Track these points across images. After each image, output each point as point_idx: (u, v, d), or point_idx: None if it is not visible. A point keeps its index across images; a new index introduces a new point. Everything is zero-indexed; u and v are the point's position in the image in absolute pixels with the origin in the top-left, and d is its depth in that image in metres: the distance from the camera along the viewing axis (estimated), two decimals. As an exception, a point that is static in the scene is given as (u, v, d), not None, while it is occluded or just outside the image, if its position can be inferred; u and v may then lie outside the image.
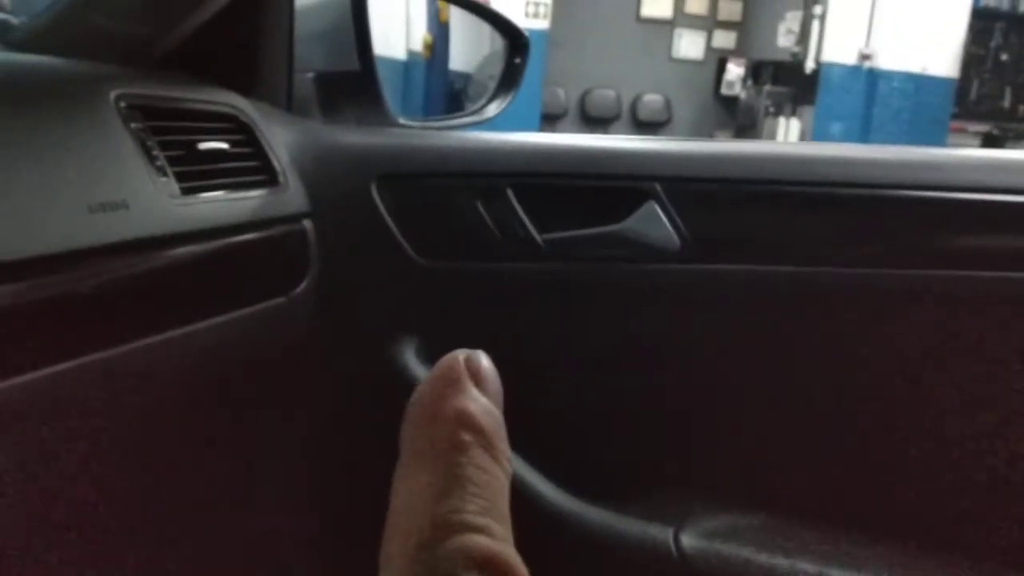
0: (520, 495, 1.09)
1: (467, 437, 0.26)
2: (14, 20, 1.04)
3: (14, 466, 0.71)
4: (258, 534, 1.10)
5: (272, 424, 1.07)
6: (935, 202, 1.05)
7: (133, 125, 0.79)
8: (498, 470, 0.26)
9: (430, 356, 1.07)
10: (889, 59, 7.66)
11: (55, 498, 0.78)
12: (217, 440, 0.99)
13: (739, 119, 9.07)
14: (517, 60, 1.36)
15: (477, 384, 0.28)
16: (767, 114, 8.36)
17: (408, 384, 1.06)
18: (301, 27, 1.13)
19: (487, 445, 0.26)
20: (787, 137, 8.04)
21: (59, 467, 0.76)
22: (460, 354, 0.29)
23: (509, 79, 1.36)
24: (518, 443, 1.00)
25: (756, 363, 1.08)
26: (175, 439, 0.91)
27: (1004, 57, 8.91)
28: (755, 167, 1.08)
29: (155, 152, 0.80)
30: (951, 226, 1.06)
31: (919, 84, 7.74)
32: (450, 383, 0.28)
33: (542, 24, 7.53)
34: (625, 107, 9.74)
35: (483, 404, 0.27)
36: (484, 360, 0.29)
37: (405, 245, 1.05)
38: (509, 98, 1.35)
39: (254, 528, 1.09)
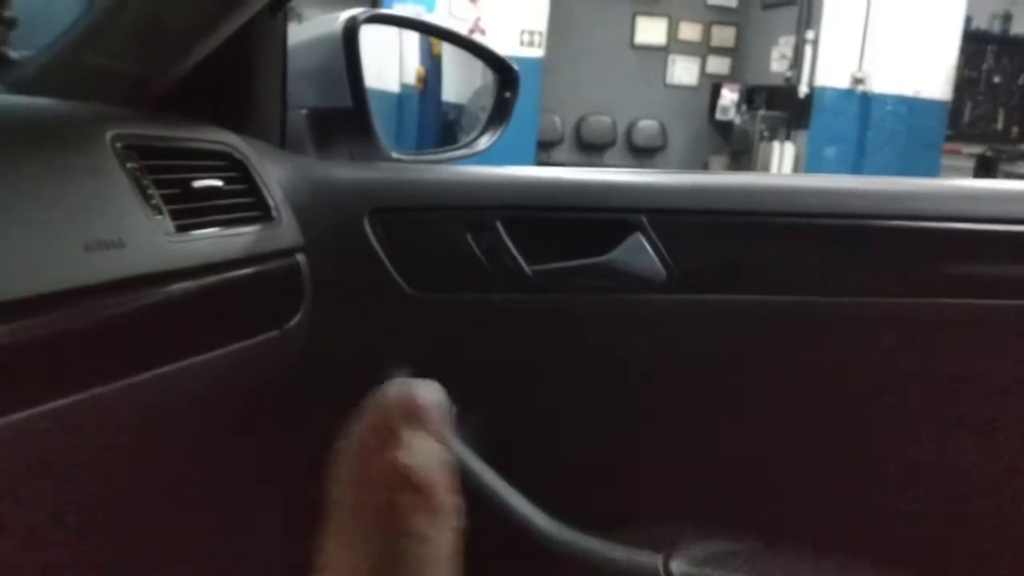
0: (509, 523, 1.10)
1: (402, 499, 0.20)
2: (13, 54, 1.05)
3: (13, 502, 0.72)
4: (254, 565, 1.11)
5: (266, 456, 1.08)
6: (918, 231, 1.07)
7: (129, 165, 0.81)
8: (441, 534, 0.20)
9: None
10: (882, 82, 7.70)
11: (53, 531, 0.79)
12: (213, 473, 1.00)
13: (734, 144, 9.11)
14: (507, 94, 1.39)
15: (416, 425, 0.21)
16: (762, 139, 8.39)
17: None
18: (294, 64, 1.15)
19: (427, 505, 0.19)
20: (782, 160, 8.06)
21: (56, 502, 0.77)
22: (391, 392, 0.22)
23: (500, 112, 1.39)
24: (507, 471, 1.01)
25: (743, 391, 1.09)
26: (171, 473, 0.92)
27: (996, 79, 8.99)
28: (740, 199, 1.10)
29: (150, 191, 0.82)
30: (935, 255, 1.08)
31: (912, 107, 7.77)
32: (380, 432, 0.21)
33: (537, 52, 7.58)
34: (620, 133, 9.79)
35: (421, 452, 0.21)
36: (422, 392, 0.22)
37: (397, 277, 1.07)
38: (500, 131, 1.38)
39: (250, 559, 1.10)
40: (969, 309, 1.06)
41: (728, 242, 1.08)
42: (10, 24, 1.17)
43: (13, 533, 0.74)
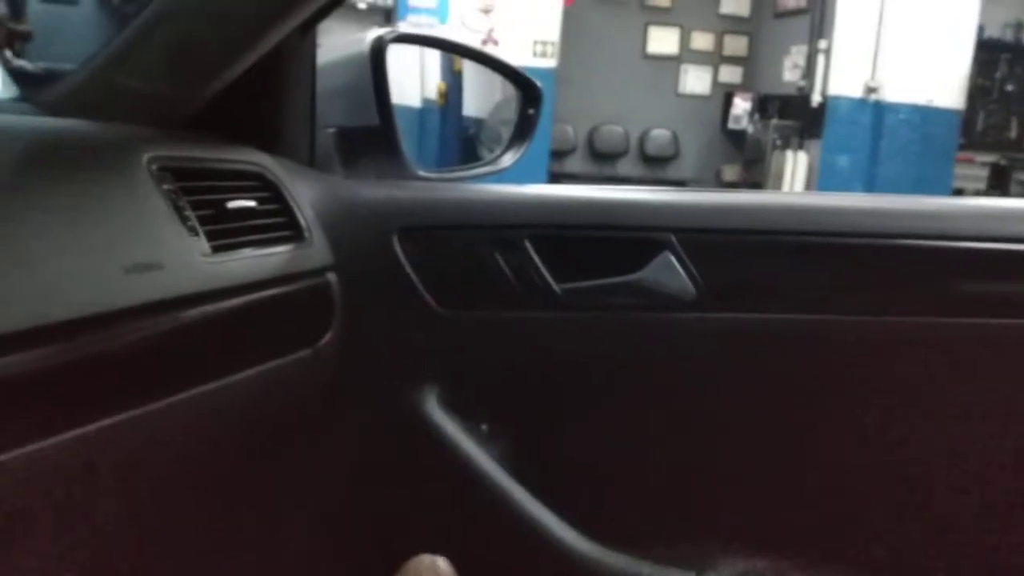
0: (542, 541, 1.10)
1: None
2: (31, 67, 1.06)
3: (51, 524, 0.73)
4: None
5: (298, 472, 1.08)
6: (940, 251, 1.07)
7: (165, 187, 0.82)
8: None
9: (452, 403, 1.09)
10: (895, 91, 7.67)
11: (91, 553, 0.80)
12: (247, 489, 1.01)
13: (747, 153, 9.09)
14: (531, 111, 1.39)
15: None
16: (774, 147, 8.37)
17: (430, 431, 1.08)
18: (322, 84, 1.16)
19: None
20: (795, 170, 8.04)
21: (95, 523, 0.78)
22: (424, 560, 0.32)
23: (523, 129, 1.39)
24: (537, 488, 1.02)
25: (772, 409, 1.10)
26: (207, 490, 0.93)
27: (1009, 88, 8.95)
28: (767, 218, 1.10)
29: (187, 212, 0.83)
30: (957, 273, 1.08)
31: (926, 116, 7.74)
32: None
33: (550, 63, 7.58)
34: (633, 142, 9.78)
35: None
36: (443, 564, 0.33)
37: (426, 295, 1.07)
38: (523, 148, 1.38)
39: (280, 573, 1.11)
40: (989, 327, 1.06)
41: (756, 261, 1.09)
42: (26, 37, 1.17)
43: (56, 554, 0.75)
